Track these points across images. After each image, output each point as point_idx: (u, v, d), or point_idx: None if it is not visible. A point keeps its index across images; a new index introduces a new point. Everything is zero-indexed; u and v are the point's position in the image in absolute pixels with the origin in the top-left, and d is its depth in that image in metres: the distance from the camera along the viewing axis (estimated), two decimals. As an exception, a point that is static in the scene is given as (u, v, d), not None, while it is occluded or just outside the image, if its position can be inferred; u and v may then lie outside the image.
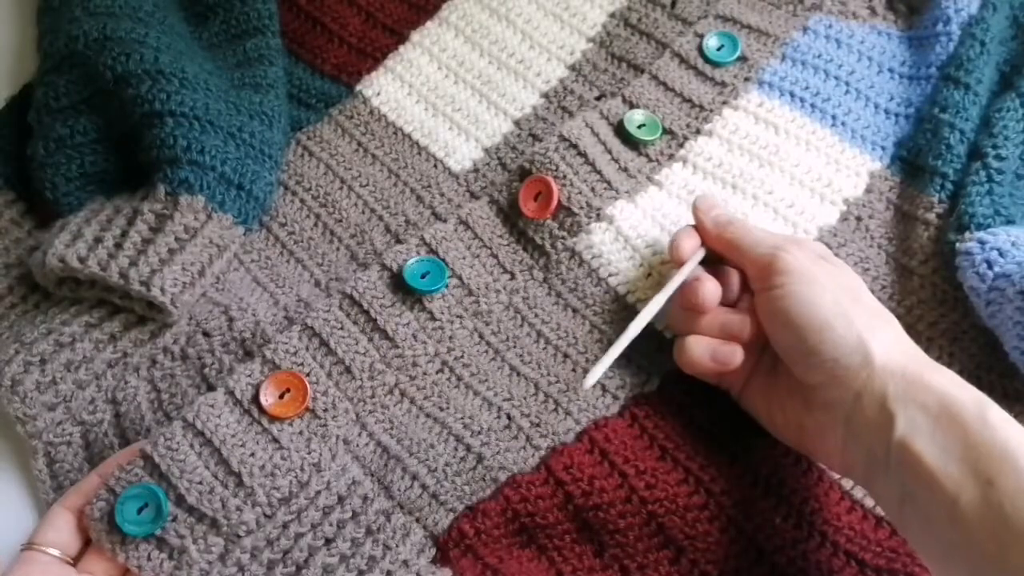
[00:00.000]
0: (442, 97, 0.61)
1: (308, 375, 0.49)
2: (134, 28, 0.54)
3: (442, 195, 0.58)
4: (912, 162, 0.56)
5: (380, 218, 0.57)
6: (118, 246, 0.50)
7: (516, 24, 0.63)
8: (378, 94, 0.62)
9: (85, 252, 0.50)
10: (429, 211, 0.57)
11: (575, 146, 0.55)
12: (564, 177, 0.54)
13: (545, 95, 0.61)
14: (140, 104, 0.53)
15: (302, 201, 0.58)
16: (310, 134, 0.61)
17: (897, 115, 0.58)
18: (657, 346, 0.51)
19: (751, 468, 0.47)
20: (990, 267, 0.48)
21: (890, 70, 0.59)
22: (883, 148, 0.57)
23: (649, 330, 0.49)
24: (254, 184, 0.55)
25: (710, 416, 0.49)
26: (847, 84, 0.58)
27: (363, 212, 0.58)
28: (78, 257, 0.49)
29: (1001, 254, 0.48)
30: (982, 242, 0.49)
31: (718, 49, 0.59)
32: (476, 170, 0.59)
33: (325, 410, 0.48)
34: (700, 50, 0.59)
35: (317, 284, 0.55)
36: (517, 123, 0.60)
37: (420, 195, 0.58)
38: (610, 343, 0.49)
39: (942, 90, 0.56)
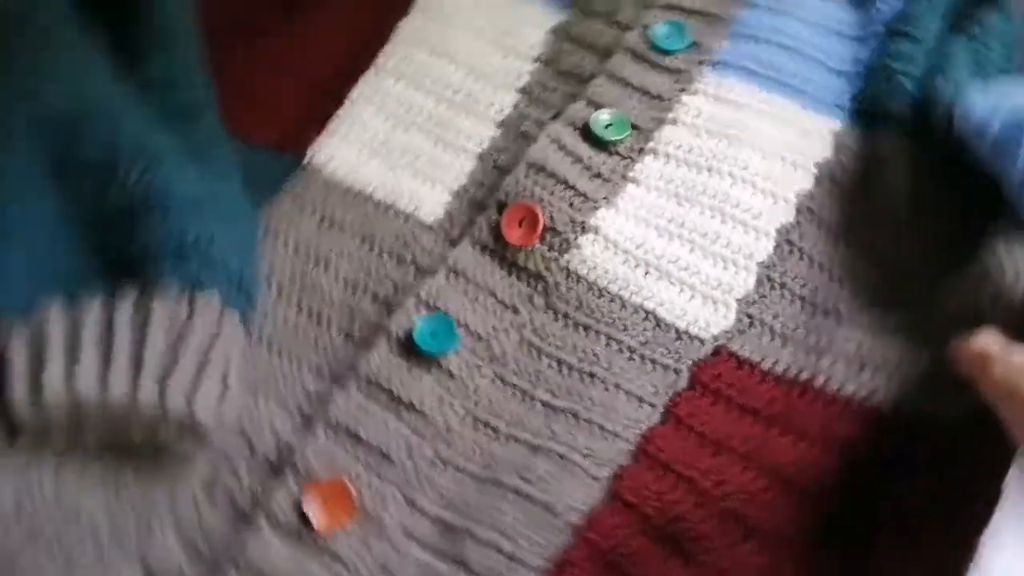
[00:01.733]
0: (397, 148, 0.58)
1: (348, 474, 0.46)
2: (109, 104, 0.49)
3: (422, 249, 0.55)
4: (869, 112, 0.58)
5: (365, 288, 0.54)
6: (137, 364, 0.43)
7: (457, 58, 0.61)
8: (331, 159, 0.58)
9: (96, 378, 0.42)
10: (413, 268, 0.54)
11: (544, 168, 0.54)
12: (542, 201, 0.53)
13: (502, 124, 0.59)
14: (126, 190, 0.47)
15: (279, 287, 0.54)
16: (270, 214, 0.56)
17: (849, 74, 0.59)
18: (676, 336, 0.50)
19: (792, 429, 0.47)
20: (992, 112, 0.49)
21: (838, 33, 0.61)
22: (840, 108, 0.58)
23: (665, 325, 0.50)
24: (251, 275, 0.49)
25: (744, 395, 0.49)
26: (798, 52, 0.59)
27: (346, 288, 0.54)
28: (88, 386, 0.41)
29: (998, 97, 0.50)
30: (973, 95, 0.51)
31: (667, 38, 0.59)
32: (449, 215, 0.56)
33: (375, 506, 0.46)
34: (649, 41, 0.59)
35: (319, 373, 0.52)
36: (480, 158, 0.58)
37: (400, 255, 0.55)
38: (630, 349, 0.49)
39: (890, 44, 0.58)
